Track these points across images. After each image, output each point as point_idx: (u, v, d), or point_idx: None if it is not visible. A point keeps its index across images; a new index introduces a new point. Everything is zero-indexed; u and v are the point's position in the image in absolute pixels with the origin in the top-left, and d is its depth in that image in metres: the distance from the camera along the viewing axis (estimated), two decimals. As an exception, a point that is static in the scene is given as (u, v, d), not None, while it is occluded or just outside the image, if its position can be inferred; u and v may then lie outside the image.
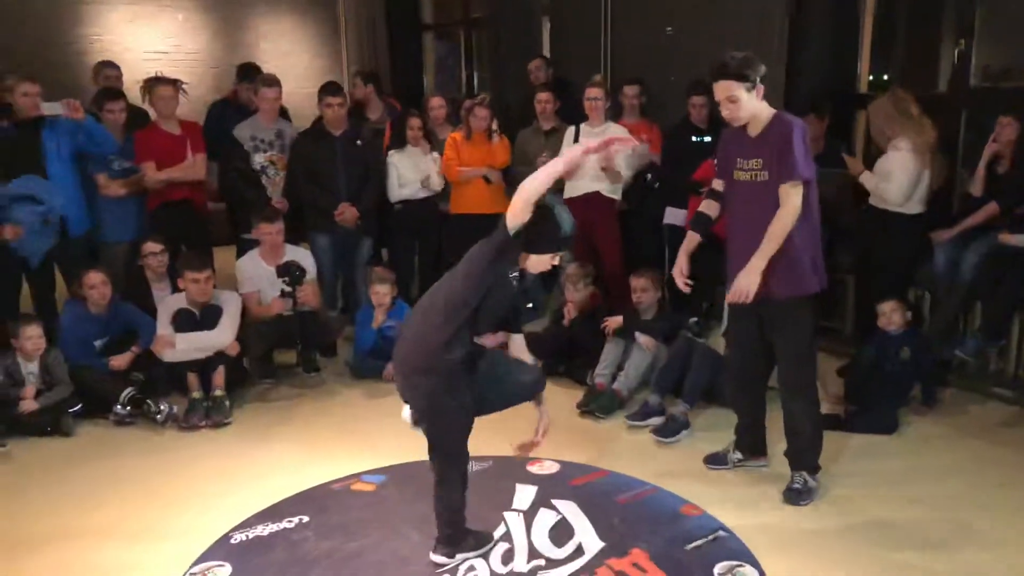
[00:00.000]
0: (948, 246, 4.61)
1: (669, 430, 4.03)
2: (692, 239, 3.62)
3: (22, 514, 3.37)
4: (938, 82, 5.45)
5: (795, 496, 3.39)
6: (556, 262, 2.91)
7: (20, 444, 4.00)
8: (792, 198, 3.15)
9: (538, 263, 2.87)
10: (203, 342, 4.41)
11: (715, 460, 3.73)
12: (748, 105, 3.19)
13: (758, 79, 3.18)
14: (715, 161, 3.58)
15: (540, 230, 2.75)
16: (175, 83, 5.22)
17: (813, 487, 3.41)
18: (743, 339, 3.54)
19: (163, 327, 4.44)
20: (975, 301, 4.66)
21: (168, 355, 4.39)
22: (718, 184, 3.53)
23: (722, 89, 3.19)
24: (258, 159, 5.32)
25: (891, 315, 4.26)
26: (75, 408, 4.22)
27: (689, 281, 3.59)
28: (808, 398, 3.41)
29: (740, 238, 3.37)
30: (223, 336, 4.45)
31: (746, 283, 3.20)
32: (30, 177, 4.57)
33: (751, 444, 3.69)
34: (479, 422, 4.28)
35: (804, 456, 3.44)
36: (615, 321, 4.63)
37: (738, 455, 3.70)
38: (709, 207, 3.59)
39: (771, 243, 3.17)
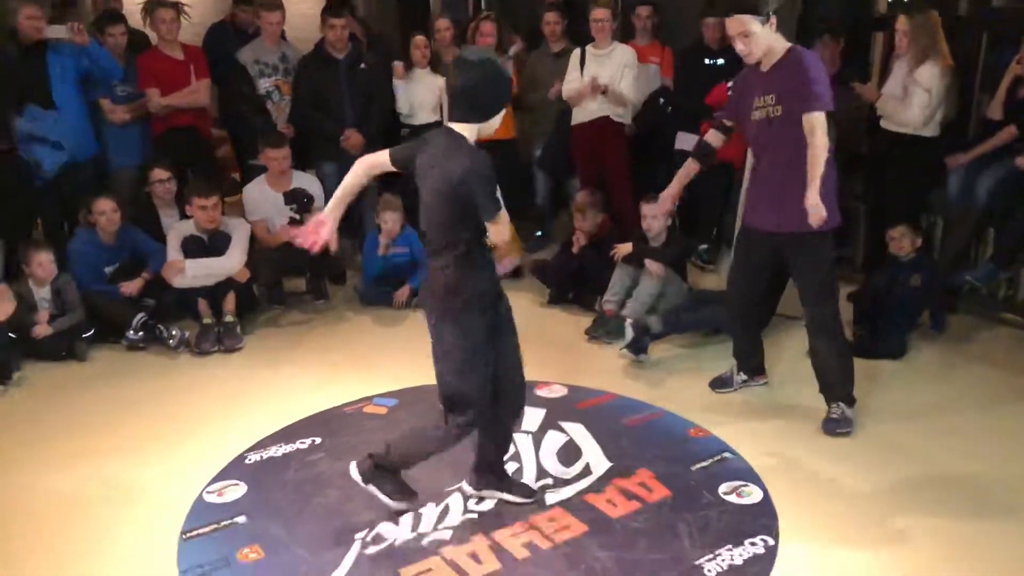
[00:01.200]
0: (963, 171, 4.54)
1: (639, 346, 4.05)
2: (690, 168, 3.57)
3: (40, 436, 3.44)
4: (959, 5, 5.30)
5: (833, 425, 3.36)
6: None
7: (35, 368, 4.06)
8: (818, 127, 3.03)
9: (494, 124, 2.62)
10: (213, 268, 4.43)
11: (720, 383, 3.76)
12: (763, 39, 3.11)
13: (771, 11, 3.09)
14: (728, 95, 3.52)
15: (491, 91, 2.54)
16: (176, 6, 5.10)
17: (851, 416, 3.38)
18: (751, 265, 3.51)
19: (173, 253, 4.45)
20: (988, 227, 4.62)
21: (178, 281, 4.41)
22: (727, 121, 3.48)
23: (736, 24, 3.11)
24: (263, 84, 5.24)
25: (901, 240, 4.23)
26: (88, 333, 4.26)
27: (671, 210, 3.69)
28: (832, 332, 3.36)
29: (762, 175, 3.33)
30: (233, 262, 4.47)
31: (818, 209, 3.02)
32: (54, 118, 4.51)
33: (752, 365, 3.73)
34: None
35: (835, 389, 3.40)
36: (624, 248, 4.61)
37: (742, 376, 3.74)
38: (714, 138, 3.53)
39: (816, 170, 3.02)
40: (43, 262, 4.22)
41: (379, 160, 2.72)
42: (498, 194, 2.54)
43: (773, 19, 3.11)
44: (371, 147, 5.24)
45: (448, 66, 5.45)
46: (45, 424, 3.55)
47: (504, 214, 2.56)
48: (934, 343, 4.26)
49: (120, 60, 4.95)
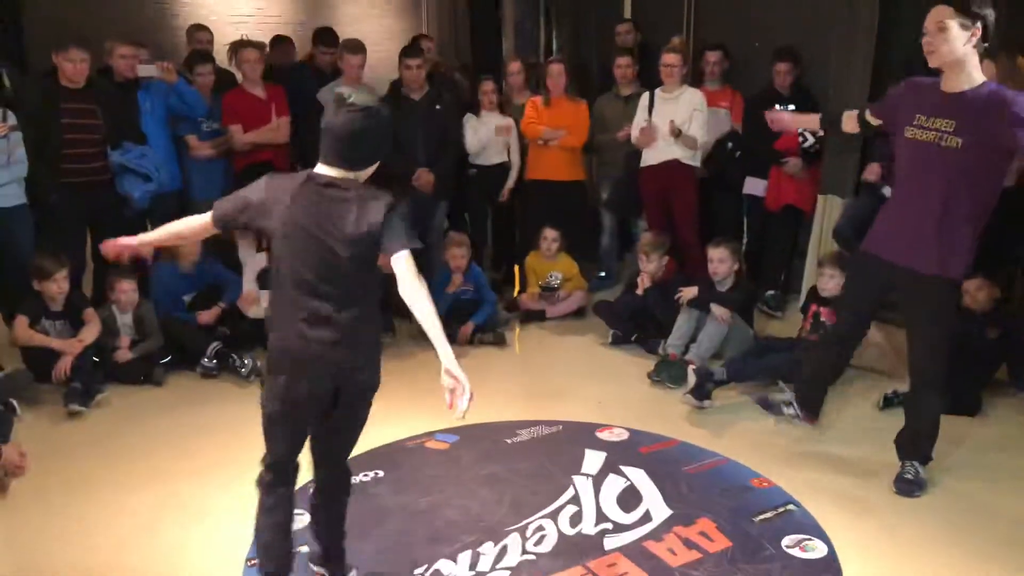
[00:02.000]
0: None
1: (702, 392, 4.00)
2: (814, 122, 3.65)
3: (119, 456, 3.58)
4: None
5: (908, 487, 3.23)
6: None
7: (116, 391, 4.22)
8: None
9: (367, 173, 2.36)
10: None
11: (766, 404, 3.71)
12: (955, 43, 2.83)
13: (977, 25, 2.83)
14: (881, 103, 3.29)
15: (375, 142, 2.31)
16: (260, 46, 5.34)
17: (924, 478, 3.26)
18: (855, 306, 3.32)
19: (249, 284, 4.61)
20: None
21: (253, 311, 4.55)
22: (872, 119, 3.26)
23: (936, 14, 2.85)
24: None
25: (975, 294, 4.11)
26: (165, 360, 4.43)
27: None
28: (938, 389, 3.20)
29: (907, 203, 3.08)
30: None
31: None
32: (143, 152, 4.76)
33: (811, 402, 3.56)
34: (547, 386, 4.36)
35: (920, 445, 3.27)
36: (690, 291, 4.60)
37: (793, 410, 3.59)
38: (849, 121, 3.38)
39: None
40: (126, 289, 4.42)
41: (199, 222, 2.45)
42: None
43: (977, 30, 2.83)
44: (441, 186, 5.41)
45: (518, 108, 5.62)
46: (123, 446, 3.69)
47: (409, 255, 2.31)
48: (1011, 400, 4.12)
49: (207, 98, 5.19)
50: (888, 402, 3.95)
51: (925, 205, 3.00)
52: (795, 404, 3.57)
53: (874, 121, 3.28)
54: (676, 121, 5.13)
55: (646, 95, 5.35)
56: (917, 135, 3.01)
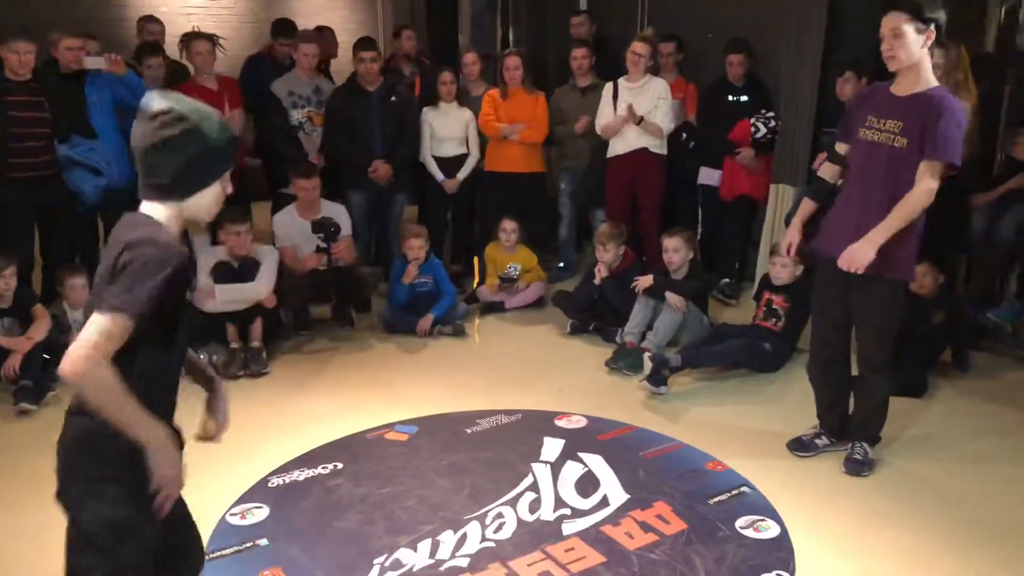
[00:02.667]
0: (987, 209, 4.55)
1: (658, 379, 4.06)
2: (807, 207, 3.36)
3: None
4: (985, 41, 5.33)
5: (858, 467, 3.31)
6: (229, 189, 1.88)
7: (67, 389, 4.13)
8: (929, 179, 2.93)
9: (202, 204, 1.82)
10: (242, 294, 4.52)
11: (800, 446, 3.50)
12: (912, 47, 2.93)
13: (931, 28, 2.93)
14: (842, 122, 3.33)
15: (184, 153, 1.75)
16: (212, 38, 5.27)
17: (873, 458, 3.35)
18: (829, 311, 3.33)
19: (203, 278, 4.55)
20: (1013, 265, 4.60)
21: (208, 306, 4.50)
22: (841, 148, 3.28)
23: (890, 21, 2.93)
24: (295, 115, 5.38)
25: (922, 279, 4.22)
26: (119, 356, 4.36)
27: (793, 256, 3.43)
28: (886, 373, 3.28)
29: (854, 202, 3.14)
30: (261, 288, 4.56)
31: (861, 255, 2.98)
32: (92, 146, 4.67)
33: (837, 427, 3.48)
34: (507, 376, 4.39)
35: (869, 426, 3.36)
36: (645, 280, 4.65)
37: (825, 440, 3.50)
38: (829, 171, 3.34)
39: (896, 221, 2.96)
40: (77, 285, 4.34)
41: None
42: (145, 301, 1.63)
43: (930, 33, 2.94)
44: (398, 177, 5.40)
45: (475, 99, 5.63)
46: (75, 443, 3.62)
47: (121, 325, 1.62)
48: (956, 381, 4.25)
49: (155, 89, 5.11)
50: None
51: (872, 205, 3.06)
52: (824, 434, 3.52)
53: (842, 149, 3.28)
54: (640, 110, 5.18)
55: (610, 85, 5.39)
56: (869, 136, 3.09)
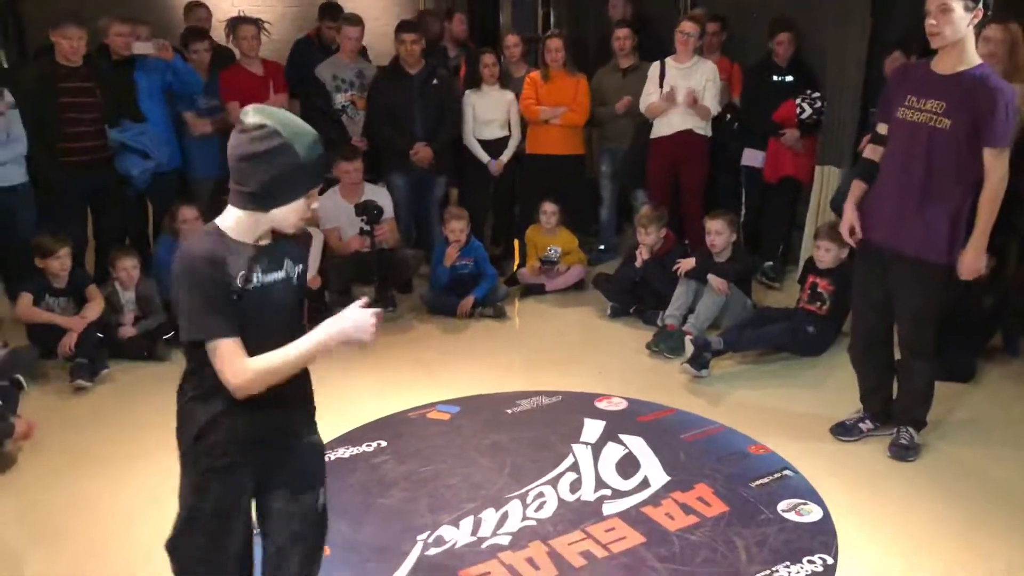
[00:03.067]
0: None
1: (700, 362, 4.04)
2: (858, 189, 3.26)
3: (126, 430, 3.63)
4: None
5: (903, 452, 3.27)
6: (315, 204, 1.92)
7: (120, 367, 4.27)
8: (999, 167, 2.89)
9: (288, 216, 1.87)
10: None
11: (843, 431, 3.47)
12: (958, 24, 2.84)
13: (980, 5, 2.84)
14: (881, 101, 3.26)
15: (273, 168, 1.79)
16: (257, 23, 5.33)
17: (919, 443, 3.31)
18: (869, 294, 3.28)
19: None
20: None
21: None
22: (883, 128, 3.19)
23: None
24: (339, 99, 5.42)
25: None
26: (169, 335, 4.46)
27: (858, 237, 3.26)
28: (928, 356, 3.23)
29: (892, 183, 3.10)
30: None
31: (975, 263, 3.01)
32: (142, 130, 4.77)
33: (881, 410, 3.45)
34: (547, 358, 4.41)
35: (914, 411, 3.32)
36: (687, 263, 4.63)
37: (868, 424, 3.46)
38: (874, 153, 3.24)
39: (988, 217, 2.94)
40: (129, 267, 4.46)
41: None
42: (210, 319, 1.80)
43: (979, 11, 2.85)
44: (440, 159, 5.42)
45: (517, 81, 5.62)
46: (129, 418, 3.74)
47: (222, 345, 1.78)
48: (1006, 366, 4.17)
49: (203, 75, 5.20)
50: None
51: (911, 187, 3.02)
52: (868, 418, 3.49)
53: (884, 130, 3.21)
54: (692, 93, 5.14)
55: (656, 65, 5.34)
56: (908, 116, 3.03)
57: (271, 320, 1.91)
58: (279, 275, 1.92)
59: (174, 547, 2.03)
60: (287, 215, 1.87)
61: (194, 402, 1.96)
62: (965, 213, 3.03)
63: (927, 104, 2.98)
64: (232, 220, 1.86)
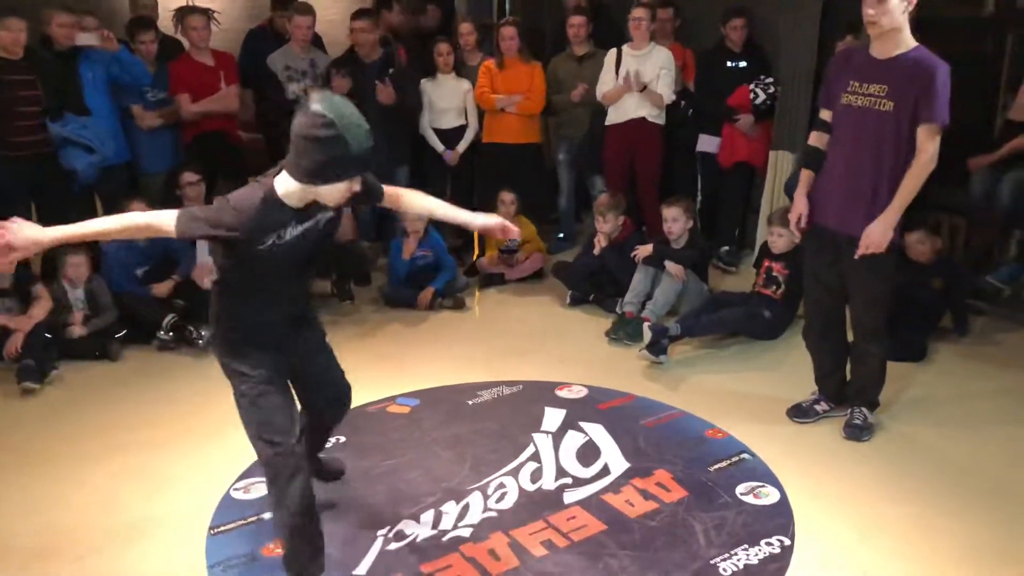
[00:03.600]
0: (985, 172, 4.53)
1: (658, 348, 4.07)
2: (806, 177, 3.30)
3: (74, 432, 3.55)
4: (985, 1, 5.27)
5: (857, 432, 3.33)
6: (356, 188, 2.22)
7: (70, 368, 4.17)
8: (930, 145, 2.93)
9: (332, 193, 2.20)
10: None
11: (799, 413, 3.53)
12: (895, 13, 2.90)
13: None
14: (822, 93, 3.31)
15: (324, 153, 2.10)
16: (206, 12, 5.22)
17: (873, 423, 3.37)
18: (822, 278, 3.34)
19: (203, 256, 4.55)
20: (1012, 229, 4.59)
21: (208, 283, 4.50)
22: (826, 115, 3.25)
23: None
24: (292, 89, 5.34)
25: (917, 246, 4.22)
26: (120, 334, 4.38)
27: (803, 227, 3.31)
28: (879, 338, 3.29)
29: (841, 168, 3.14)
30: None
31: (880, 238, 3.02)
32: (84, 123, 4.64)
33: (834, 392, 3.52)
34: (508, 348, 4.40)
35: (867, 392, 3.37)
36: (645, 250, 4.65)
37: (824, 405, 3.53)
38: (819, 140, 3.28)
39: (907, 194, 2.98)
40: (77, 264, 4.34)
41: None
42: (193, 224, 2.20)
43: (912, 2, 2.92)
44: (395, 147, 5.36)
45: (472, 69, 5.58)
46: (79, 420, 3.65)
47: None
48: (956, 346, 4.26)
49: (151, 66, 5.07)
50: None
51: (858, 170, 3.07)
52: (823, 400, 3.54)
53: (827, 116, 3.25)
54: (643, 78, 5.16)
55: (613, 52, 5.34)
56: (852, 101, 3.09)
57: (292, 259, 2.31)
58: (308, 224, 2.28)
59: (250, 435, 2.40)
60: (331, 192, 2.19)
61: (220, 296, 2.42)
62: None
63: (870, 88, 3.03)
64: (284, 186, 2.21)
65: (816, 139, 3.32)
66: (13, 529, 2.88)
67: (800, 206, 3.30)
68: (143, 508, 2.99)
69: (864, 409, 3.39)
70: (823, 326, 3.44)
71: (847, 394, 3.48)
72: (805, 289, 3.52)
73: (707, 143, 5.52)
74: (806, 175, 3.32)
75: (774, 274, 4.41)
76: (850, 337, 3.43)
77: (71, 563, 2.70)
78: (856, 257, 3.08)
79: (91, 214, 5.06)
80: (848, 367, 3.48)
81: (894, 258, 3.17)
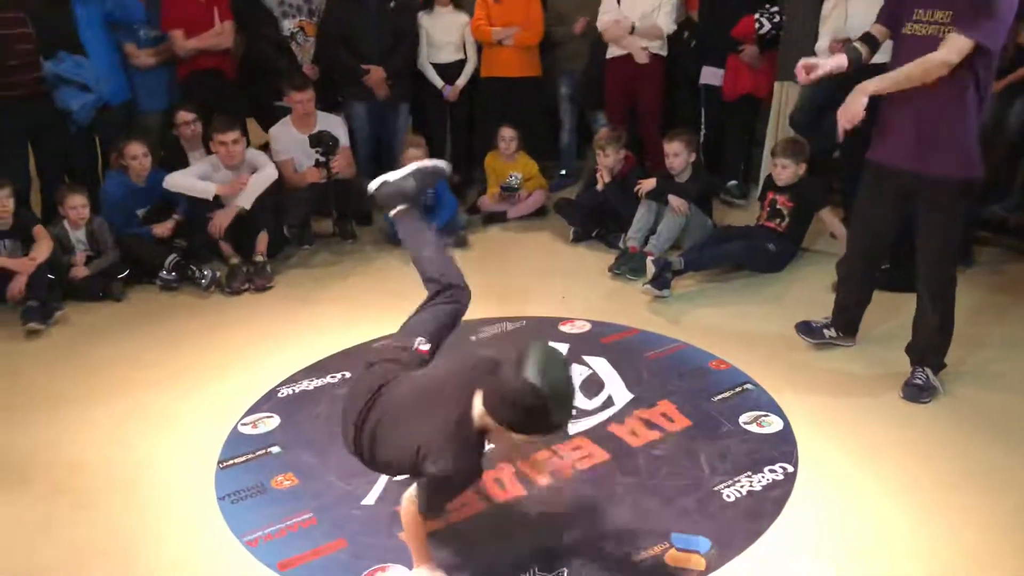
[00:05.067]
0: (994, 99, 4.44)
1: (661, 282, 4.05)
2: (839, 60, 3.03)
3: (80, 372, 3.57)
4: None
5: (916, 392, 3.14)
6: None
7: (75, 308, 4.18)
8: (947, 51, 2.71)
9: (507, 441, 2.13)
10: (259, 185, 4.56)
11: (807, 331, 3.50)
12: None
13: None
14: (885, 7, 3.07)
15: (527, 415, 2.01)
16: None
17: (936, 385, 3.16)
18: (872, 220, 3.20)
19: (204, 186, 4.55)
20: (1019, 156, 4.53)
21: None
22: (875, 29, 3.05)
23: None
24: (287, 25, 5.24)
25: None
26: (123, 274, 4.38)
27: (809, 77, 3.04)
28: (947, 296, 3.12)
29: (905, 103, 2.93)
30: (270, 171, 4.62)
31: (854, 108, 2.83)
32: (79, 62, 4.56)
33: (847, 323, 3.48)
34: (511, 285, 4.40)
35: (931, 353, 3.20)
36: (648, 183, 4.61)
37: (832, 332, 3.49)
38: (876, 31, 3.04)
39: (900, 76, 2.80)
40: (78, 205, 4.33)
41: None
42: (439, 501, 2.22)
43: None
44: (396, 84, 5.28)
45: (471, 3, 5.45)
46: (85, 360, 3.67)
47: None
48: (960, 276, 4.21)
49: (143, 3, 4.97)
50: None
51: (929, 105, 2.88)
52: (833, 327, 3.49)
53: (879, 32, 3.06)
54: (644, 7, 5.06)
55: None
56: (917, 30, 2.89)
57: None
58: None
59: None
60: (508, 440, 2.10)
61: None
62: (972, 126, 2.91)
63: (935, 15, 2.84)
64: (479, 418, 2.10)
65: (874, 30, 3.08)
66: (23, 468, 2.91)
67: (814, 60, 3.05)
68: (151, 445, 3.02)
69: (927, 369, 3.21)
70: (857, 263, 3.35)
71: (910, 352, 3.27)
72: (851, 223, 3.39)
73: (711, 75, 5.42)
74: (840, 59, 3.06)
75: (778, 207, 4.38)
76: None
77: (81, 500, 2.73)
78: (839, 135, 2.91)
79: (90, 156, 5.06)
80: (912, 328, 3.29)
81: (967, 199, 3.02)
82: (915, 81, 2.83)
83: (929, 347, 3.21)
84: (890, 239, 3.27)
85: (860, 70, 3.10)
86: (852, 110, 2.89)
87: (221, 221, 4.50)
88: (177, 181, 4.51)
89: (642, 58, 5.15)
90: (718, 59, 5.35)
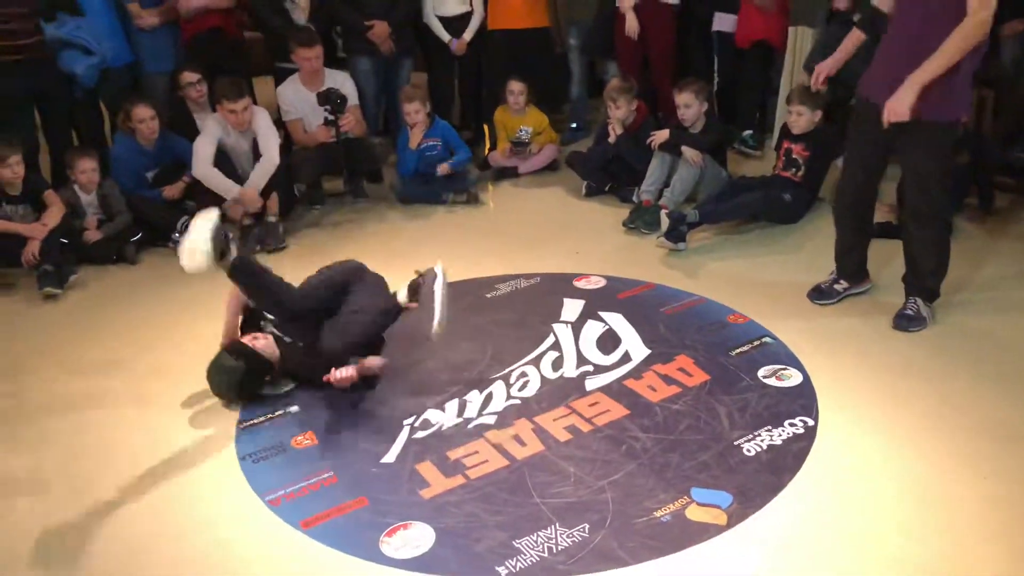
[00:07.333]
0: (1018, 41, 4.33)
1: (676, 235, 4.01)
2: (855, 38, 3.11)
3: (102, 333, 3.59)
4: None
5: (905, 322, 3.19)
6: None
7: (90, 272, 4.18)
8: (981, 9, 2.70)
9: None
10: (262, 173, 4.49)
11: (820, 295, 3.47)
12: None
13: None
14: None
15: None
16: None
17: (926, 315, 3.21)
18: (862, 153, 3.19)
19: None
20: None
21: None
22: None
23: None
24: (288, -19, 5.14)
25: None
26: (136, 237, 4.36)
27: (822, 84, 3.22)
28: (938, 228, 3.15)
29: (901, 43, 2.93)
30: (272, 155, 4.53)
31: (904, 102, 2.82)
32: (79, 24, 4.49)
33: (854, 270, 3.47)
34: (524, 241, 4.37)
35: (923, 284, 3.23)
36: (661, 135, 4.54)
37: (843, 284, 3.47)
38: (883, 3, 3.08)
39: (943, 59, 2.76)
40: (88, 169, 4.30)
41: None
42: None
43: None
44: (401, 40, 5.19)
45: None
46: (104, 323, 3.69)
47: None
48: (982, 223, 4.17)
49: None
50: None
51: (917, 45, 2.85)
52: (842, 279, 3.48)
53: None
54: None
55: None
56: None
57: None
58: None
59: None
60: None
61: None
62: (967, 71, 2.89)
63: None
64: None
65: (880, 1, 3.10)
66: (44, 429, 2.94)
67: (828, 64, 3.16)
68: (170, 406, 3.03)
69: (919, 299, 3.23)
70: (852, 200, 3.33)
71: (906, 282, 3.31)
72: (844, 160, 3.36)
73: (723, 21, 5.30)
74: (855, 36, 3.11)
75: (794, 156, 4.31)
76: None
77: (103, 459, 2.75)
78: (885, 126, 2.92)
79: (96, 119, 5.01)
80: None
81: (950, 137, 3.01)
82: (963, 52, 2.79)
83: (922, 276, 3.22)
84: (878, 175, 3.23)
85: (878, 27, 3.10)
86: (900, 109, 2.85)
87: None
88: (205, 173, 4.42)
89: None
90: (730, 4, 5.22)
